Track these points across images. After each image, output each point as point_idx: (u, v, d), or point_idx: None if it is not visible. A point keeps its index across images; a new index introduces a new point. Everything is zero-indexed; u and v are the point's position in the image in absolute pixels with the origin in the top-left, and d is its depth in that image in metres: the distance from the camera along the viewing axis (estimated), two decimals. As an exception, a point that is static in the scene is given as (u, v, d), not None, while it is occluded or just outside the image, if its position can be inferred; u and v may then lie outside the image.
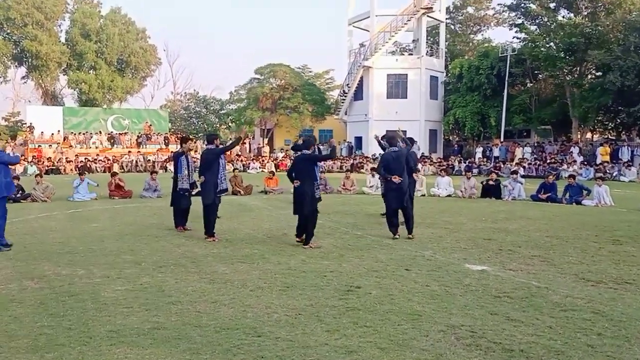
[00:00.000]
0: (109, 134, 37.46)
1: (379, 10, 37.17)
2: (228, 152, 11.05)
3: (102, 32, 44.38)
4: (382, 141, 9.50)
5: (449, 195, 16.71)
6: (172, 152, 31.01)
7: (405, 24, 36.48)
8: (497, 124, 33.93)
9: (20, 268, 6.78)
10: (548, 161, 27.68)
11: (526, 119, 33.55)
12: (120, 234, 9.39)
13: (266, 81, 43.39)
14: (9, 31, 42.59)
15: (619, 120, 33.24)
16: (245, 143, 35.43)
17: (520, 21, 35.74)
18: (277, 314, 4.95)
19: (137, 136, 37.83)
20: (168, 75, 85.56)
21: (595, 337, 4.41)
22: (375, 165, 12.91)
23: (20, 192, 15.06)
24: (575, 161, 27.06)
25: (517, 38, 35.12)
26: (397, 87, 37.16)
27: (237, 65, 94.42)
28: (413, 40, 39.53)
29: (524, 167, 25.82)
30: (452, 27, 47.07)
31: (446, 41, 41.36)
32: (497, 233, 9.59)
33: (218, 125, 54.86)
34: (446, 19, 41.17)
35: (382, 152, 9.32)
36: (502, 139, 33.25)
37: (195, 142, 36.82)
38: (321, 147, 12.16)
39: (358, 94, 38.25)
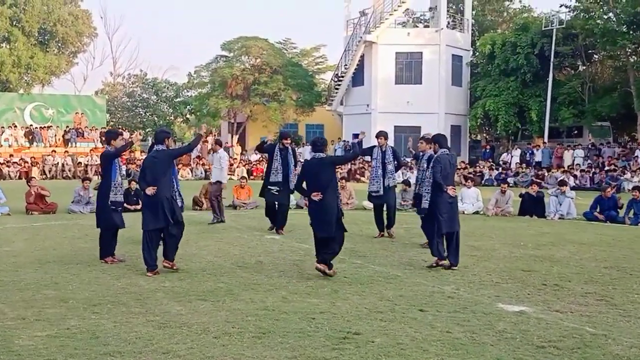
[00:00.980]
0: (26, 128, 37.29)
1: (385, -32, 37.50)
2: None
3: (19, -8, 44.32)
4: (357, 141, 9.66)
5: (477, 212, 16.81)
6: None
7: (420, -14, 36.88)
8: (540, 119, 34.18)
9: None
10: (606, 168, 27.91)
11: (577, 113, 33.78)
12: (41, 262, 9.30)
13: (236, 60, 43.51)
14: None
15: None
16: (207, 142, 35.38)
17: (570, -15, 36.21)
18: (249, 370, 4.94)
19: (65, 131, 37.67)
20: (106, 51, 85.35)
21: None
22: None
23: None
24: (641, 168, 27.29)
25: (566, 7, 35.45)
26: (409, 69, 37.34)
27: (198, 38, 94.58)
28: (430, 9, 39.88)
29: (574, 176, 26.05)
30: (481, -9, 47.55)
31: (473, 10, 41.75)
32: (539, 262, 9.61)
33: (172, 118, 54.87)
34: (473, -20, 41.59)
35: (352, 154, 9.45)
36: (546, 139, 33.46)
37: (132, 136, 36.74)
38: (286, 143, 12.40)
39: (358, 79, 38.39)
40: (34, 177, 17.40)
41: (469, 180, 18.09)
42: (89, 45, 52.57)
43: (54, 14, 45.76)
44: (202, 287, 7.74)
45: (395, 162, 12.02)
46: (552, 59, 33.17)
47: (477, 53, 39.12)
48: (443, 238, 9.12)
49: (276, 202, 12.67)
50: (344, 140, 39.09)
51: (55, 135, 37.20)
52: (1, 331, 5.87)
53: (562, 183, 16.91)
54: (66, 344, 5.49)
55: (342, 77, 38.76)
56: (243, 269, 8.93)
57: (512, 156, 33.41)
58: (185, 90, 53.64)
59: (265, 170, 13.25)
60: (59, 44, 47.46)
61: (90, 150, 34.75)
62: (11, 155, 33.54)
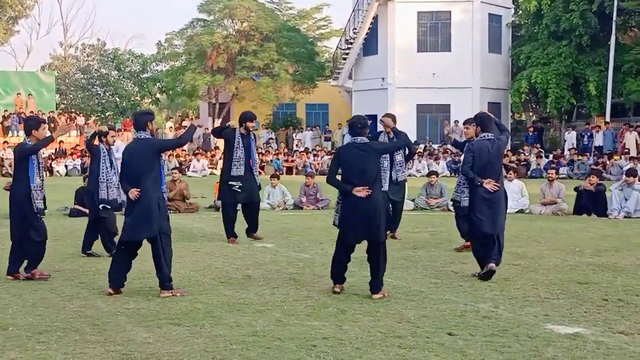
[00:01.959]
0: (-45, 114, 37.37)
1: None
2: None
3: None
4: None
5: (521, 211, 16.80)
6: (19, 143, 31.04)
7: None
8: (600, 93, 34.07)
9: None
10: (684, 154, 27.85)
11: (647, 84, 33.71)
12: (-27, 280, 9.33)
13: (217, 25, 43.46)
14: None
15: None
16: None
17: None
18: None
19: (3, 117, 37.73)
20: (55, 16, 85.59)
21: None
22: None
23: None
24: None
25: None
26: (434, 32, 37.29)
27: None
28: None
29: (644, 165, 25.93)
30: None
31: (514, -43, 41.67)
32: (599, 273, 9.59)
33: (139, 98, 54.90)
34: None
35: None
36: (607, 118, 33.36)
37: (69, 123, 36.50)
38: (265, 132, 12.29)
39: (370, 46, 38.37)
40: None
41: (511, 171, 17.98)
42: (33, 8, 52.88)
43: (-12, -30, 45.89)
44: (175, 308, 7.73)
45: (406, 151, 12.06)
46: (614, 17, 33.06)
47: (520, 11, 39.05)
48: (478, 243, 9.22)
49: (240, 203, 12.52)
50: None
51: (-7, 122, 37.29)
52: None
53: (630, 173, 16.84)
54: (4, 382, 5.50)
55: (351, 44, 38.69)
56: (227, 286, 8.92)
57: (565, 140, 33.37)
58: (154, 64, 53.67)
59: (223, 162, 12.80)
60: (-4, 8, 47.58)
61: (3, 143, 34.14)
62: None
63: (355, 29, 38.49)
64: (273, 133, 42.21)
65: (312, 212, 17.04)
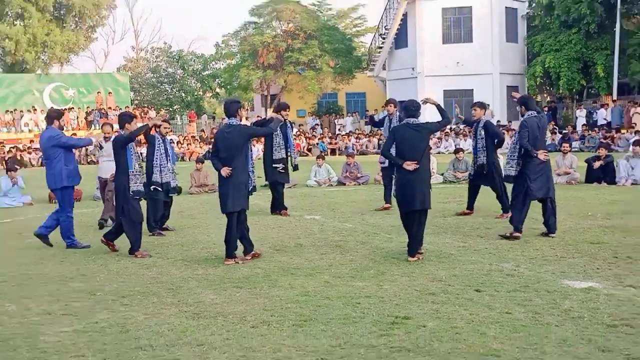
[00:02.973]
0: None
1: None
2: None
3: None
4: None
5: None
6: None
7: None
8: (607, 74, 33.49)
9: None
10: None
11: (650, 65, 33.06)
12: (66, 253, 9.51)
13: (267, 26, 43.46)
14: None
15: None
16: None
17: None
18: (290, 360, 4.97)
19: (87, 113, 38.14)
20: (127, 23, 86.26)
21: None
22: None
23: None
24: None
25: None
26: (458, 26, 36.92)
27: (225, 4, 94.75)
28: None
29: (649, 137, 25.38)
30: None
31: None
32: (609, 234, 9.49)
33: (201, 93, 55.18)
34: None
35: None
36: (615, 97, 32.80)
37: (159, 115, 36.83)
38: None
39: (401, 40, 38.10)
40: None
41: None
42: (108, 18, 53.24)
43: (68, -14, 46.15)
44: (237, 274, 7.81)
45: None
46: (618, 6, 32.33)
47: (534, 4, 38.39)
48: (529, 205, 9.32)
49: (285, 183, 12.68)
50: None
51: (77, 118, 37.69)
52: (26, 327, 6.02)
53: (638, 143, 16.50)
54: (95, 339, 5.61)
55: (384, 39, 38.50)
56: (281, 253, 8.98)
57: (577, 117, 32.93)
58: (214, 62, 53.86)
59: (265, 147, 12.81)
60: (76, 19, 47.98)
61: (114, 132, 34.78)
62: (31, 141, 33.58)
63: (387, 25, 38.31)
64: (318, 119, 42.62)
65: (354, 188, 16.99)
